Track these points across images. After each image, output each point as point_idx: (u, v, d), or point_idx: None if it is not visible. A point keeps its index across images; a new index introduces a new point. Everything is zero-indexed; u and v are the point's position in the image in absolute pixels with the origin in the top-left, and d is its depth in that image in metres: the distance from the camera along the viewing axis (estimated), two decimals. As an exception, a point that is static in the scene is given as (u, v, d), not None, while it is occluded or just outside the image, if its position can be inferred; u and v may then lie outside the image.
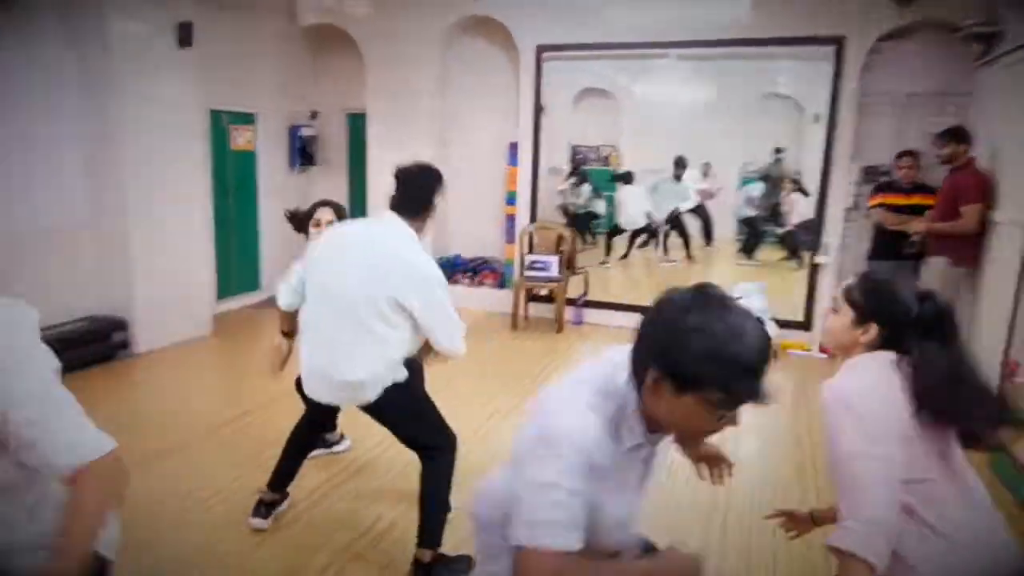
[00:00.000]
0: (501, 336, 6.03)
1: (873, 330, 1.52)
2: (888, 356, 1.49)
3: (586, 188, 8.48)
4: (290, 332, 2.80)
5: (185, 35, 5.09)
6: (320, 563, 2.67)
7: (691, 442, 1.27)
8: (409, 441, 2.61)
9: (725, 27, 5.63)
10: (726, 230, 8.67)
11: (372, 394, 2.41)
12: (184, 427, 3.91)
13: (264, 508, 2.89)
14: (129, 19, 4.80)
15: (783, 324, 5.47)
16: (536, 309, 6.50)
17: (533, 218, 6.60)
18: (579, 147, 9.31)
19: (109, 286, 5.07)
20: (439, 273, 2.43)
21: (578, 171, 8.51)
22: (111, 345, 4.96)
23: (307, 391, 2.56)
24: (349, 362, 2.37)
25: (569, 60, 6.43)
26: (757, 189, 8.28)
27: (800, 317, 5.84)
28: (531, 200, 6.58)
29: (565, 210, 8.11)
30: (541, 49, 6.22)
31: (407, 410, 2.55)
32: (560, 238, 6.40)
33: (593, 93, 8.92)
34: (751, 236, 8.35)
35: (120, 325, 5.02)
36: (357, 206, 7.24)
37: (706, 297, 1.13)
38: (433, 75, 6.64)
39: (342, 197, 7.52)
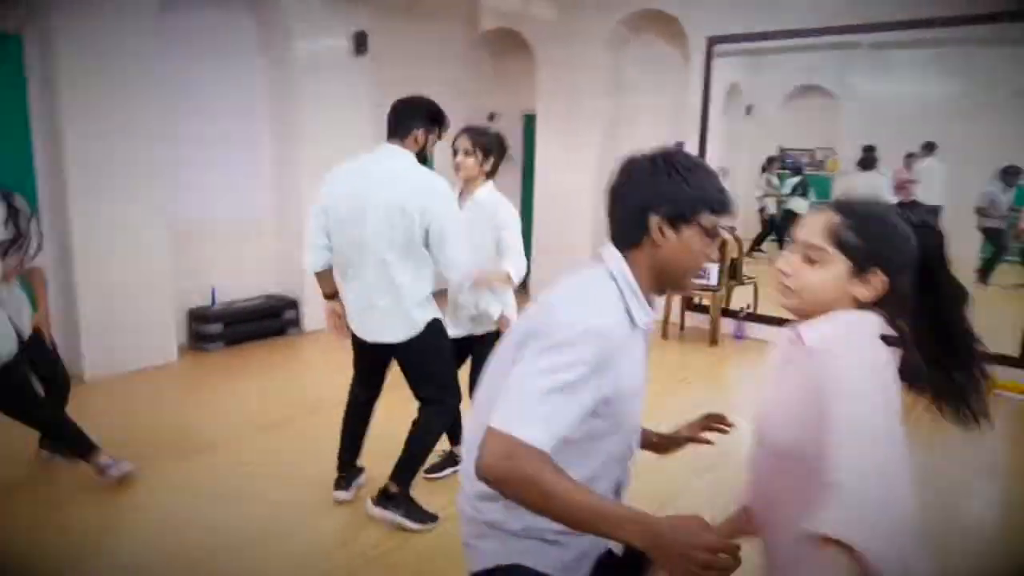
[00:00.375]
0: (647, 344, 5.74)
1: (879, 281, 1.15)
2: (875, 320, 1.17)
3: (789, 183, 7.67)
4: (332, 293, 2.90)
5: (360, 44, 5.57)
6: (370, 540, 2.77)
7: (688, 282, 1.29)
8: (425, 380, 2.75)
9: (927, 5, 4.78)
10: (968, 247, 7.31)
11: (413, 329, 2.64)
12: (329, 394, 4.29)
13: (344, 482, 3.07)
14: (309, 30, 5.37)
15: (995, 359, 4.50)
16: (694, 319, 6.09)
17: (697, 222, 6.18)
18: (789, 151, 8.53)
19: (286, 270, 5.73)
20: (448, 189, 2.65)
21: (769, 167, 7.77)
22: (284, 321, 5.60)
23: (354, 329, 2.78)
24: (387, 299, 2.60)
25: (775, 54, 5.91)
26: (997, 193, 6.84)
27: (1016, 351, 4.79)
28: (695, 202, 6.16)
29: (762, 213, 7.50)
30: (712, 41, 5.80)
31: (440, 349, 2.73)
32: (724, 244, 5.92)
33: (809, 92, 8.11)
34: (991, 252, 6.91)
35: (292, 304, 5.65)
36: (528, 203, 7.38)
37: (671, 150, 1.26)
38: (601, 74, 6.52)
39: (516, 195, 7.70)
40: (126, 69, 4.40)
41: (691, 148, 6.08)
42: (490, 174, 2.95)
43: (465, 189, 2.98)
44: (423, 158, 2.70)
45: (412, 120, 2.65)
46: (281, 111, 5.50)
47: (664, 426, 1.61)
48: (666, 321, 5.88)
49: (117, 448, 3.47)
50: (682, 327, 6.04)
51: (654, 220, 1.22)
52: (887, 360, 1.12)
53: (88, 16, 4.20)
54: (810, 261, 1.17)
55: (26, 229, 2.91)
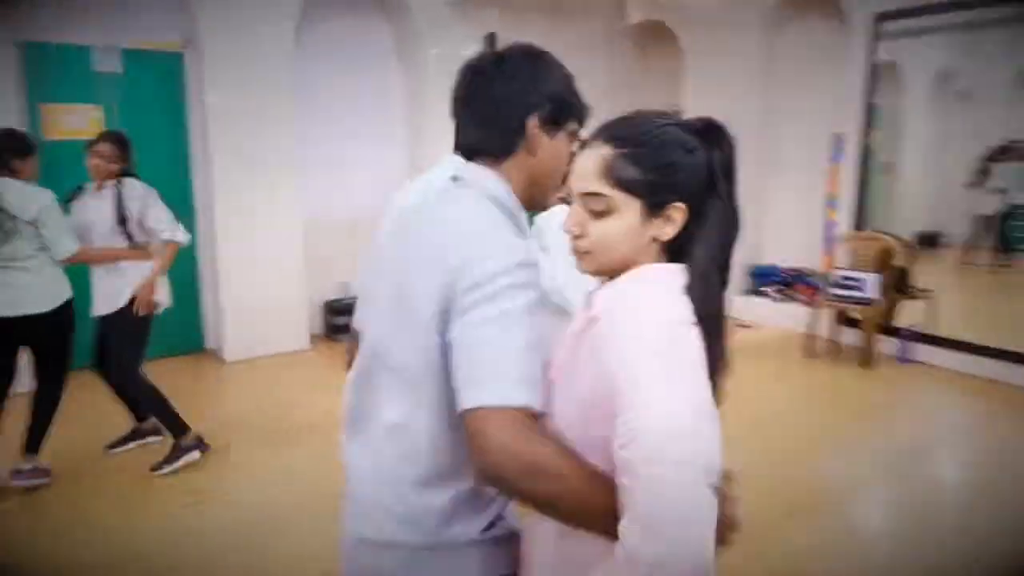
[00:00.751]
0: (782, 361, 5.14)
1: (679, 212, 0.93)
2: (673, 271, 0.94)
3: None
4: None
5: (491, 46, 5.61)
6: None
7: (550, 195, 1.16)
8: None
9: None
10: None
11: None
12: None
13: None
14: (440, 34, 5.52)
15: None
16: (853, 336, 5.32)
17: (858, 226, 5.41)
18: (1018, 142, 7.19)
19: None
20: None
21: (999, 158, 6.50)
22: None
23: None
24: None
25: (990, 30, 5.01)
26: None
27: None
28: (857, 203, 5.40)
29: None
30: (881, 18, 5.04)
31: None
32: (886, 252, 5.11)
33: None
34: None
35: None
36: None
37: (536, 47, 1.12)
38: (753, 65, 5.97)
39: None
40: (268, 75, 4.84)
41: (852, 141, 5.35)
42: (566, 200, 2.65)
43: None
44: None
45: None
46: (413, 113, 5.73)
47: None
48: (811, 337, 5.21)
49: (237, 426, 3.82)
50: (835, 343, 5.31)
51: (532, 123, 1.07)
52: (686, 321, 0.88)
53: (235, 30, 4.67)
54: (596, 214, 0.94)
55: (133, 213, 3.18)
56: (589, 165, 0.94)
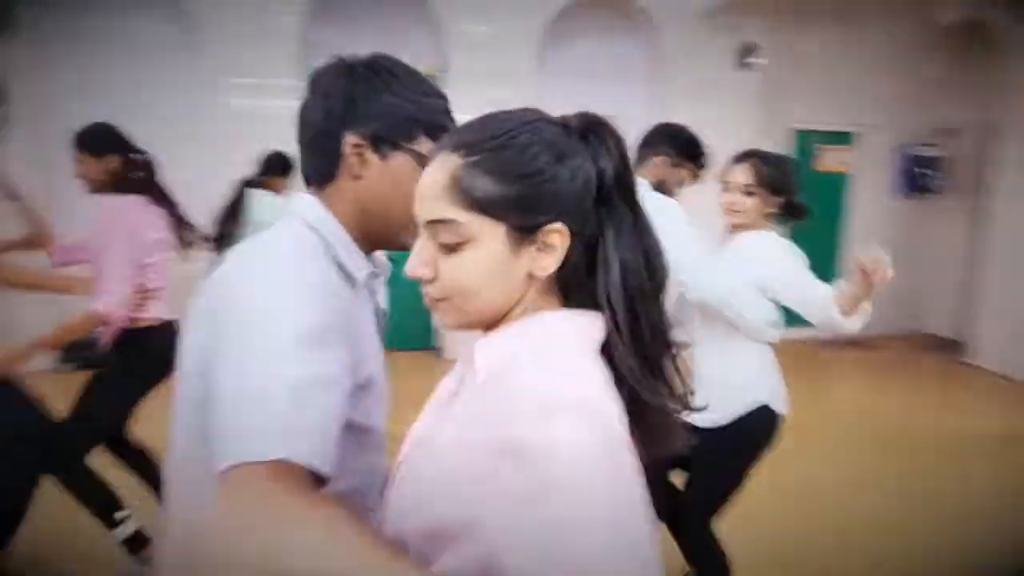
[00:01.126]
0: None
1: (559, 238, 0.71)
2: (588, 324, 0.72)
3: None
4: None
5: (744, 57, 5.13)
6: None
7: (404, 232, 0.93)
8: None
9: None
10: None
11: None
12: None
13: None
14: (689, 49, 5.20)
15: None
16: None
17: None
18: None
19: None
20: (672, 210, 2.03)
21: None
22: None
23: None
24: None
25: None
26: None
27: None
28: None
29: None
30: None
31: None
32: None
33: None
34: None
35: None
36: (981, 251, 5.66)
37: (379, 54, 0.97)
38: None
39: (958, 236, 6.00)
40: (512, 95, 5.03)
41: None
42: (783, 218, 2.04)
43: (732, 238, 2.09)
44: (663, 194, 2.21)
45: (654, 146, 2.20)
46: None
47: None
48: None
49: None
50: None
51: (349, 142, 0.91)
52: (605, 401, 0.67)
53: (482, 52, 4.98)
54: (447, 248, 0.71)
55: None
56: (432, 183, 0.71)
